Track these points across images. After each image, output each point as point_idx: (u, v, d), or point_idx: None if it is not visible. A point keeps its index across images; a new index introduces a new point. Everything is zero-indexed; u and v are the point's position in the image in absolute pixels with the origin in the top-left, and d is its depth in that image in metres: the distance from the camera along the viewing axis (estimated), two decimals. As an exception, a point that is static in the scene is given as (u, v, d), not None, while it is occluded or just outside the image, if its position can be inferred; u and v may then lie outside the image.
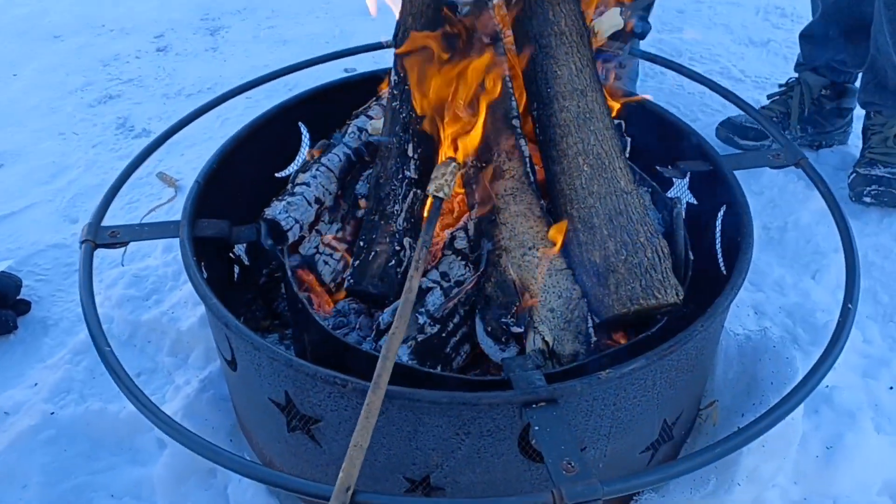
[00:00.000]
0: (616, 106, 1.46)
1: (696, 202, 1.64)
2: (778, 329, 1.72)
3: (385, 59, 1.94)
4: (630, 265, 1.25)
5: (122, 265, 2.16)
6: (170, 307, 1.86)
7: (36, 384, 1.80)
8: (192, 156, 2.76)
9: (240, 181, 1.68)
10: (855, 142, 2.67)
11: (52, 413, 1.68)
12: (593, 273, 1.28)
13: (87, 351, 1.86)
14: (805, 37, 2.53)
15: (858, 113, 2.56)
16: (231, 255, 1.64)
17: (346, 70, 3.03)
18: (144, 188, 2.62)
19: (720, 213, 1.57)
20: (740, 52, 3.36)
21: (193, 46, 3.51)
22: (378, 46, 2.09)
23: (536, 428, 1.07)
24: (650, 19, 2.41)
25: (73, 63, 3.38)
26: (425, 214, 1.27)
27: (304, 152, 1.81)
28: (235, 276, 1.69)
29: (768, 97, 2.71)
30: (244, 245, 1.67)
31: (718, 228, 1.57)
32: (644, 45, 2.58)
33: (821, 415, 1.59)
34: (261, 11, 3.76)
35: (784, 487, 1.50)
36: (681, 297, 1.28)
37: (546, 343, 1.26)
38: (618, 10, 1.42)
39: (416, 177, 1.39)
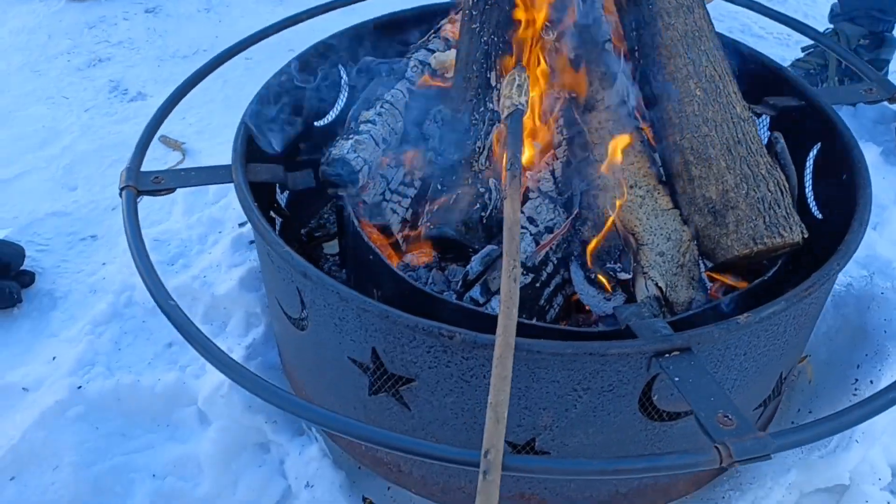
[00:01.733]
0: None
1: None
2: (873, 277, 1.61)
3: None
4: (752, 200, 1.12)
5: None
6: (200, 271, 1.69)
7: (54, 358, 1.62)
8: (194, 119, 2.58)
9: (278, 129, 1.52)
10: None
11: (80, 387, 1.51)
12: (708, 211, 1.15)
13: (108, 321, 1.68)
14: None
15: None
16: (274, 207, 1.47)
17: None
18: (148, 153, 2.44)
19: (812, 153, 1.45)
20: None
21: (185, 7, 3.31)
22: None
23: (677, 379, 0.94)
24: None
25: (55, 26, 3.15)
26: (501, 136, 1.12)
27: (343, 99, 1.65)
28: (276, 230, 1.53)
29: (802, 49, 2.60)
30: (285, 196, 1.52)
31: (810, 168, 1.45)
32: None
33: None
34: (256, -30, 3.56)
35: (886, 444, 1.40)
36: (805, 237, 1.15)
37: (660, 289, 1.12)
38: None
39: (498, 109, 1.24)
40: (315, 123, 1.63)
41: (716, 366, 1.05)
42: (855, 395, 1.30)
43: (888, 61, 2.50)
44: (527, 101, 1.14)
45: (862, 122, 2.48)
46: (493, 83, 1.23)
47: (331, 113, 1.65)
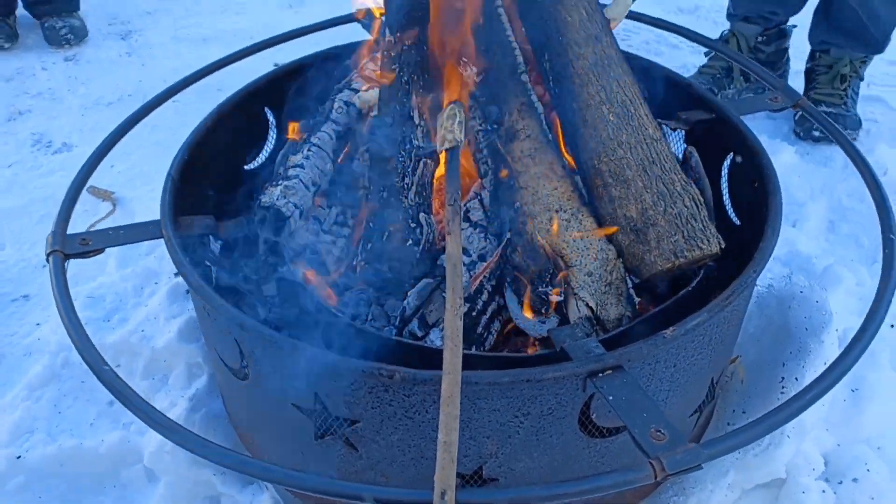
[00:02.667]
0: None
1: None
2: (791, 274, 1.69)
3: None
4: (670, 217, 1.18)
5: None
6: (138, 325, 1.67)
7: (-11, 428, 1.58)
8: (123, 166, 2.54)
9: (208, 176, 1.52)
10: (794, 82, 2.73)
11: (19, 457, 1.47)
12: (630, 229, 1.20)
13: (46, 384, 1.64)
14: None
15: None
16: (209, 259, 1.47)
17: (275, 64, 2.86)
18: (77, 205, 2.39)
19: (726, 163, 1.51)
20: (671, 20, 3.39)
21: (106, 53, 3.26)
22: (313, 29, 1.89)
23: (611, 397, 0.97)
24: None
25: (-32, 83, 3.07)
26: (440, 173, 1.15)
27: (271, 141, 1.66)
28: (213, 279, 1.52)
29: (706, 55, 2.72)
30: (221, 240, 1.51)
31: (725, 178, 1.52)
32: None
33: (837, 348, 1.56)
34: (175, 11, 3.53)
35: (817, 436, 1.46)
36: (723, 247, 1.21)
37: (591, 309, 1.16)
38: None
39: (425, 145, 1.27)
40: (245, 167, 1.64)
41: (648, 380, 1.09)
42: (783, 393, 1.36)
43: (787, 49, 2.62)
44: (462, 139, 1.16)
45: (777, 121, 2.60)
46: (417, 121, 1.26)
47: (260, 156, 1.65)
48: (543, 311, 1.19)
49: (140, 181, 2.43)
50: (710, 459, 0.90)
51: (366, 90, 1.41)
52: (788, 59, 2.64)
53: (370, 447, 1.11)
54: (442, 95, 1.22)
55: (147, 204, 2.16)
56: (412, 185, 1.25)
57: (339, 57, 1.60)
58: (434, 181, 1.23)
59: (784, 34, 2.55)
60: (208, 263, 1.49)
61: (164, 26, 3.44)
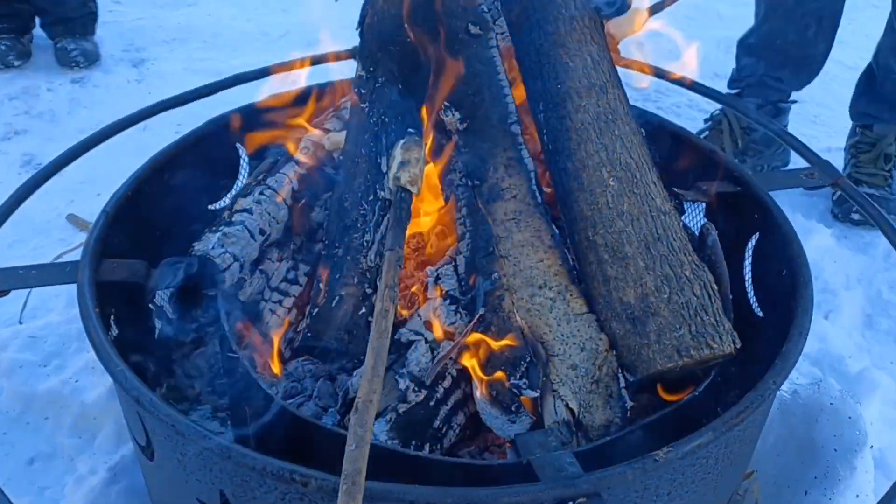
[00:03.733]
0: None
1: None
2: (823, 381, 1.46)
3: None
4: (675, 306, 0.97)
5: (21, 323, 1.77)
6: (73, 374, 1.50)
7: None
8: (102, 194, 2.41)
9: (164, 214, 1.35)
10: (797, 163, 2.54)
11: None
12: (626, 317, 0.99)
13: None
14: (744, 44, 2.38)
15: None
16: (152, 304, 1.29)
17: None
18: (53, 232, 2.25)
19: (751, 242, 1.31)
20: (707, 84, 3.24)
21: (115, 78, 3.18)
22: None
23: (580, 536, 0.76)
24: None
25: (-27, 97, 3.01)
26: (389, 216, 0.96)
27: (242, 179, 1.50)
28: (157, 332, 1.34)
29: (699, 132, 2.51)
30: (168, 292, 1.33)
31: (748, 259, 1.32)
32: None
33: (876, 481, 1.33)
34: (192, 42, 3.47)
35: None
36: (738, 347, 1.00)
37: (571, 411, 0.96)
38: (644, 12, 1.18)
39: (392, 198, 1.08)
40: (209, 207, 1.47)
41: (633, 509, 0.88)
42: (804, 529, 1.13)
43: (785, 127, 2.43)
44: (420, 185, 0.99)
45: (813, 199, 2.40)
46: (384, 168, 1.08)
47: (228, 195, 1.49)
48: (513, 407, 0.98)
49: (119, 212, 2.29)
50: None
51: (338, 132, 1.24)
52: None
53: (285, 561, 0.90)
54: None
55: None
56: (373, 243, 1.06)
57: (323, 93, 1.44)
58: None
59: (780, 112, 2.38)
60: (155, 310, 1.32)
61: (178, 57, 3.36)
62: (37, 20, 3.17)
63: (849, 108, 2.38)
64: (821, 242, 2.09)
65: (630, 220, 1.00)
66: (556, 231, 1.07)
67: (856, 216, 2.20)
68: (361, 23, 1.11)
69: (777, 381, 0.94)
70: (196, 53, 3.44)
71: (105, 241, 1.14)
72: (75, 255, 2.12)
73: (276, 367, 1.12)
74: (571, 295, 1.03)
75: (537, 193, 1.08)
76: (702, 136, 2.42)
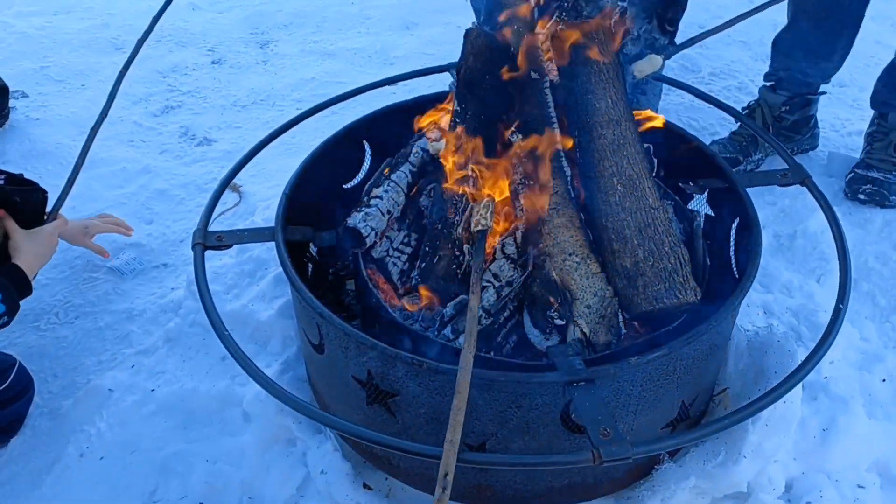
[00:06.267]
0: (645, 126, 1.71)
1: (713, 214, 1.88)
2: (784, 326, 1.95)
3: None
4: (656, 270, 1.50)
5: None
6: (248, 301, 2.12)
7: (133, 366, 2.07)
8: (250, 165, 3.01)
9: (314, 192, 1.94)
10: (826, 146, 2.90)
11: (153, 390, 1.95)
12: (624, 276, 1.53)
13: (177, 338, 2.12)
14: (776, 43, 2.71)
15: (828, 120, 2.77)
16: (307, 255, 1.89)
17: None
18: (210, 193, 2.86)
19: (734, 225, 1.80)
20: (758, 67, 3.54)
21: (245, 59, 3.76)
22: (426, 72, 2.28)
23: (578, 402, 1.32)
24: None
25: (136, 74, 3.59)
26: (472, 247, 1.52)
27: (366, 166, 2.07)
28: (309, 273, 1.95)
29: (736, 121, 2.87)
30: (317, 247, 1.93)
31: (733, 238, 1.81)
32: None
33: (819, 402, 1.83)
34: (307, 26, 4.00)
35: (785, 463, 1.73)
36: (698, 297, 1.52)
37: (584, 334, 1.50)
38: (660, 58, 1.66)
39: (475, 191, 1.64)
40: (344, 186, 2.05)
41: (616, 395, 1.43)
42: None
43: (813, 115, 2.79)
44: (489, 224, 1.53)
45: (831, 178, 2.79)
46: (470, 172, 1.63)
47: (357, 177, 2.07)
48: (548, 330, 1.54)
49: (263, 178, 2.89)
50: (637, 455, 1.23)
51: (437, 140, 1.79)
52: (816, 124, 2.80)
53: (405, 415, 1.50)
54: (491, 158, 1.59)
55: (267, 199, 2.62)
56: (461, 222, 1.63)
57: (425, 106, 1.99)
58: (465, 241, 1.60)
59: (808, 102, 2.70)
60: (307, 260, 1.92)
61: (295, 39, 3.92)
62: None
63: (870, 96, 2.69)
64: (823, 218, 2.49)
65: (630, 213, 1.53)
66: (582, 217, 1.60)
67: (861, 196, 2.58)
68: (458, 71, 1.65)
69: (717, 321, 1.46)
70: (310, 36, 3.97)
71: (286, 213, 1.73)
72: (231, 212, 2.76)
73: (395, 300, 1.70)
74: (590, 260, 1.57)
75: (571, 192, 1.61)
76: (740, 125, 2.81)
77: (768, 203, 2.61)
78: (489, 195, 1.53)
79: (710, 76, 3.50)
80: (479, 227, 1.48)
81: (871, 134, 2.69)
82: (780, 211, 2.59)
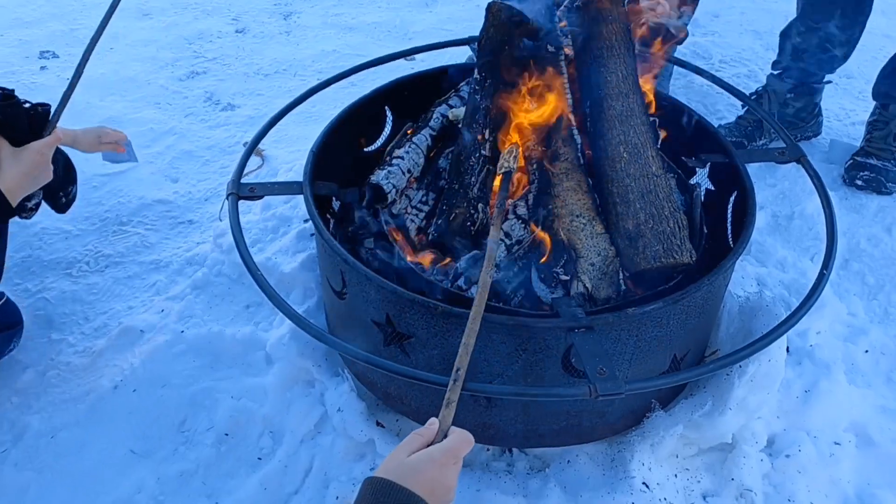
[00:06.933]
0: (652, 104, 1.83)
1: (713, 188, 2.00)
2: (772, 294, 2.08)
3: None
4: (655, 232, 1.62)
5: (220, 220, 2.55)
6: (272, 254, 2.26)
7: (162, 310, 2.21)
8: (273, 130, 3.14)
9: (339, 152, 2.07)
10: (829, 134, 3.02)
11: (182, 332, 2.09)
12: (626, 237, 1.65)
13: (203, 287, 2.26)
14: (784, 34, 2.83)
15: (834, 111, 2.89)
16: (329, 213, 2.02)
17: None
18: (233, 156, 3.00)
19: (732, 198, 1.93)
20: (768, 56, 3.63)
21: (269, 29, 3.88)
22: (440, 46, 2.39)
23: (578, 346, 1.45)
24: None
25: (163, 40, 3.76)
26: (497, 187, 1.64)
27: (387, 131, 2.19)
28: (330, 226, 2.08)
29: (743, 106, 2.99)
30: (340, 202, 2.06)
31: (730, 209, 1.93)
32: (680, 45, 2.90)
33: (803, 366, 1.96)
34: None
35: (768, 420, 1.87)
36: (693, 259, 1.65)
37: (586, 288, 1.63)
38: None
39: (490, 155, 1.76)
40: (365, 149, 2.18)
41: (614, 343, 1.56)
42: (726, 377, 1.78)
43: (817, 103, 2.92)
44: (514, 166, 1.65)
45: (831, 165, 2.91)
46: (487, 136, 1.75)
47: (378, 141, 2.19)
48: (553, 284, 1.67)
49: (285, 143, 3.03)
50: (630, 391, 1.36)
51: (458, 107, 1.91)
52: (820, 112, 2.92)
53: (418, 356, 1.63)
54: (507, 123, 1.71)
55: (289, 163, 2.76)
56: (476, 183, 1.75)
57: (446, 75, 2.11)
58: (493, 187, 1.72)
59: (814, 91, 2.83)
60: (329, 216, 2.05)
61: (317, 12, 4.03)
62: None
63: (872, 88, 2.81)
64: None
65: (634, 179, 1.65)
66: (590, 182, 1.73)
67: (859, 182, 2.70)
68: (480, 42, 1.76)
69: (710, 280, 1.58)
70: (331, 9, 4.09)
71: (314, 170, 1.86)
72: (255, 174, 2.89)
73: (410, 254, 1.83)
74: (596, 222, 1.70)
75: (581, 158, 1.73)
76: (746, 111, 2.93)
77: (769, 185, 2.73)
78: (514, 142, 1.65)
79: (720, 63, 3.61)
80: (504, 169, 1.60)
81: (871, 123, 2.80)
82: (779, 193, 2.71)
